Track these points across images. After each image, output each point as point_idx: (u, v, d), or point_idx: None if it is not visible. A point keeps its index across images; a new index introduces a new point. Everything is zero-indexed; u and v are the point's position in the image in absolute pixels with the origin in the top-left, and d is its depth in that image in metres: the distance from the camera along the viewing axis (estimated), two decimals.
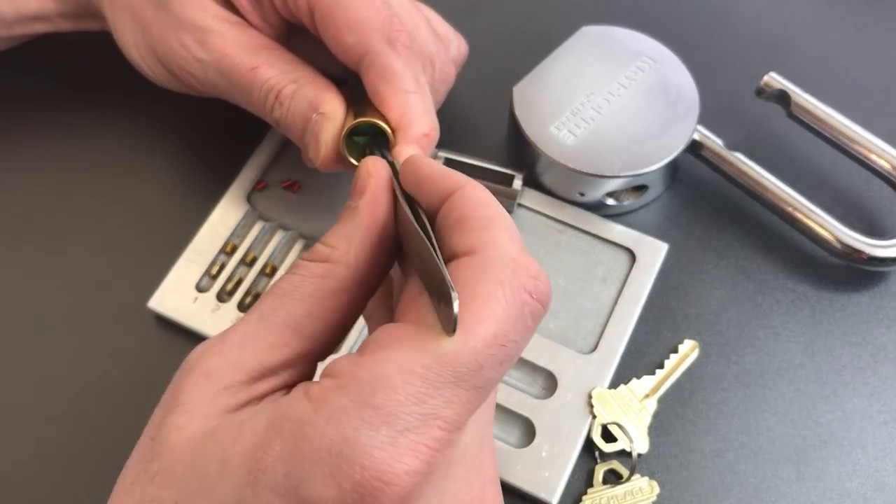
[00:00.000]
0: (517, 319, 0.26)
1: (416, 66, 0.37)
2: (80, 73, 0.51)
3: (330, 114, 0.36)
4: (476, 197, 0.27)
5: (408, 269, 0.30)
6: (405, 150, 0.34)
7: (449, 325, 0.24)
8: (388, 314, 0.32)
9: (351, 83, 0.38)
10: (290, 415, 0.25)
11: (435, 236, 0.27)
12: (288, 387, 0.28)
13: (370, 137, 0.35)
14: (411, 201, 0.29)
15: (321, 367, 0.28)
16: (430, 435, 0.24)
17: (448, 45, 0.44)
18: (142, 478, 0.26)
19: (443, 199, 0.28)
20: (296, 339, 0.28)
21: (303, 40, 0.40)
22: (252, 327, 0.28)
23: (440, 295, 0.25)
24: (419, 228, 0.27)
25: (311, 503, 0.24)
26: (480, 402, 0.26)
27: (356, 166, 0.34)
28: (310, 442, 0.24)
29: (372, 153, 0.34)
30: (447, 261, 0.27)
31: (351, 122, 0.35)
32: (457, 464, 0.27)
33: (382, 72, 0.36)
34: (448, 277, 0.24)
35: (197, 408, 0.26)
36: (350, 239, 0.29)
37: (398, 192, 0.30)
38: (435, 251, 0.26)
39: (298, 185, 0.46)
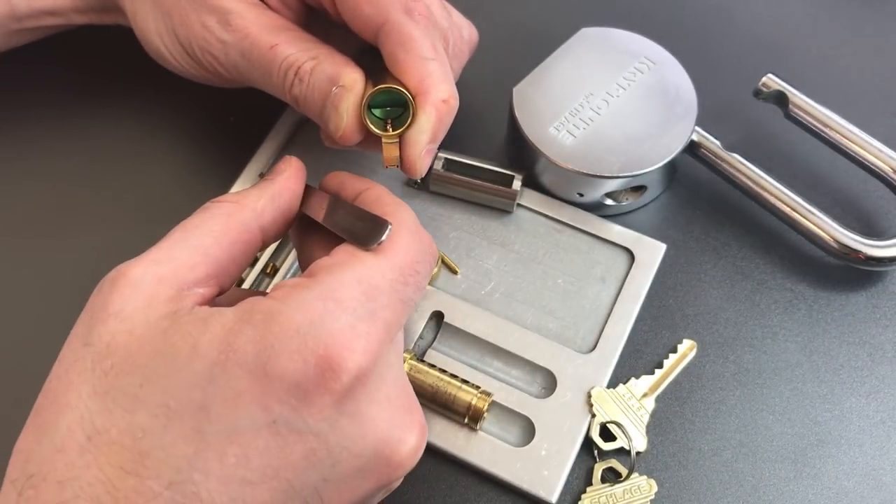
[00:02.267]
0: (425, 253, 0.33)
1: (434, 35, 0.37)
2: (80, 75, 0.51)
3: (350, 85, 0.36)
4: (381, 189, 0.35)
5: (313, 236, 0.36)
6: (426, 118, 0.36)
7: (377, 240, 0.31)
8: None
9: (363, 62, 0.38)
10: (259, 308, 0.29)
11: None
12: (206, 303, 0.31)
13: (390, 110, 0.36)
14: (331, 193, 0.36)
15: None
16: (377, 326, 0.30)
17: (461, 29, 0.44)
18: (87, 377, 0.28)
19: (359, 192, 0.35)
20: (205, 263, 0.31)
21: (314, 31, 0.41)
22: (164, 253, 0.31)
23: (368, 223, 0.32)
24: (340, 199, 0.35)
25: (277, 376, 0.28)
26: (405, 315, 0.32)
27: (379, 134, 0.36)
28: (279, 325, 0.28)
29: (394, 125, 0.36)
30: None
31: (371, 91, 0.36)
32: (390, 367, 0.31)
33: (401, 40, 0.36)
34: (377, 213, 0.33)
35: (134, 315, 0.29)
36: (260, 192, 0.34)
37: (320, 189, 0.37)
38: (360, 207, 0.34)
39: None
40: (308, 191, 0.36)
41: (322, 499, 0.29)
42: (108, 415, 0.27)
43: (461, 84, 0.46)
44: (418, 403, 0.33)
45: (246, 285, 0.43)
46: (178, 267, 0.30)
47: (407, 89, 0.35)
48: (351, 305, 0.29)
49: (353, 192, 0.36)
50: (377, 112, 0.36)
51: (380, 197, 0.35)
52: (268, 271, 0.44)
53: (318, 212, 0.35)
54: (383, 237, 0.31)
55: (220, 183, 0.46)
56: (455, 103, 0.36)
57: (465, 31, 0.44)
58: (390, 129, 0.36)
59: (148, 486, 0.27)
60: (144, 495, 0.27)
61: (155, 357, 0.28)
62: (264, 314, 0.29)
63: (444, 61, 0.37)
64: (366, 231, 0.32)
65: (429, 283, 0.44)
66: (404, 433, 0.31)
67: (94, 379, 0.28)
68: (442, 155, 0.45)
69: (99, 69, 0.51)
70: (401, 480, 0.33)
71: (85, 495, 0.27)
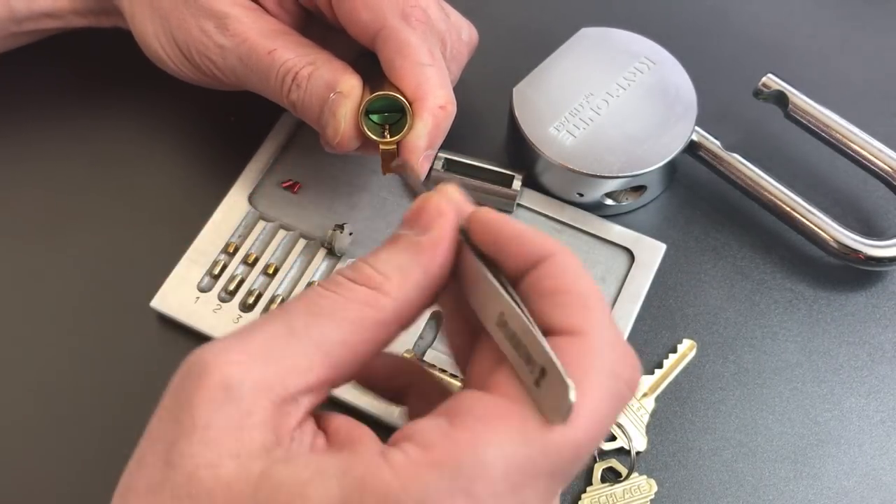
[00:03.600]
0: (615, 413, 0.25)
1: (432, 41, 0.37)
2: (79, 77, 0.51)
3: (347, 91, 0.36)
4: (572, 267, 0.26)
5: (468, 327, 0.28)
6: (422, 125, 0.35)
7: (559, 413, 0.23)
8: (466, 327, 0.29)
9: (359, 67, 0.38)
10: (371, 486, 0.23)
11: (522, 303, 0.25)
12: (307, 416, 0.26)
13: (387, 116, 0.36)
14: (489, 261, 0.27)
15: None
16: None
17: (460, 30, 0.44)
18: None
19: (531, 264, 0.26)
20: (324, 365, 0.25)
21: (312, 34, 0.41)
22: (279, 342, 0.25)
23: (544, 376, 0.23)
24: (507, 295, 0.25)
25: None
26: (560, 490, 0.25)
27: (376, 141, 0.35)
28: None
29: (391, 131, 0.35)
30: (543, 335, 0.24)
31: (369, 97, 0.36)
32: None
33: (398, 46, 0.36)
34: (558, 363, 0.23)
35: (223, 439, 0.24)
36: (406, 274, 0.26)
37: (467, 244, 0.27)
38: (534, 328, 0.24)
39: (299, 185, 0.46)
40: (462, 253, 0.27)
41: None
42: None
43: (461, 84, 0.46)
44: None
45: (245, 286, 0.43)
46: (288, 369, 0.25)
47: (404, 95, 0.35)
48: (489, 503, 0.23)
49: (521, 263, 0.26)
50: (375, 118, 0.36)
51: (561, 285, 0.25)
52: (268, 271, 0.44)
53: (480, 303, 0.26)
54: (566, 412, 0.23)
55: (220, 184, 0.46)
56: (452, 109, 0.36)
57: (463, 33, 0.44)
58: (388, 136, 0.36)
59: None
60: None
61: None
62: (377, 499, 0.22)
63: (441, 67, 0.36)
64: (542, 392, 0.23)
65: None
66: None
67: None
68: (442, 155, 0.45)
69: (98, 71, 0.51)
70: None
71: None
